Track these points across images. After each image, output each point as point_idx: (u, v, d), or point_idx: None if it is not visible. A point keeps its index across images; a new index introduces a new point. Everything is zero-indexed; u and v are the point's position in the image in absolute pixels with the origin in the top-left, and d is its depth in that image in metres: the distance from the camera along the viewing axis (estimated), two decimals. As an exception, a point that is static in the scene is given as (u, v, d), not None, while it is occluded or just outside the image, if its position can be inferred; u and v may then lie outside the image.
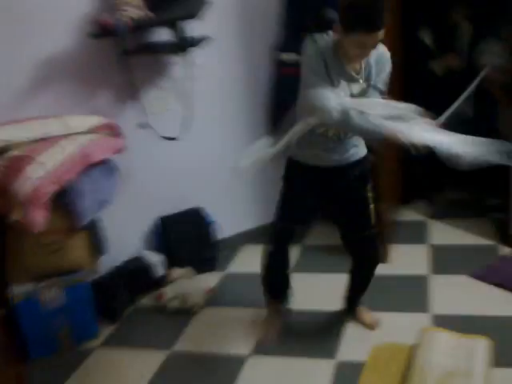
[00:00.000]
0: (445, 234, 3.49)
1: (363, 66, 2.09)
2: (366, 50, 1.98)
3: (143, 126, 2.96)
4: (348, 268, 2.63)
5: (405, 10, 3.34)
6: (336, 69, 2.06)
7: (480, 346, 2.30)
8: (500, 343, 2.32)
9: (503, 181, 3.18)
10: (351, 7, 1.90)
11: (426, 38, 3.66)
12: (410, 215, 3.81)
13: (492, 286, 2.80)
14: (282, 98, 3.41)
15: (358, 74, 2.09)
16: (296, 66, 3.27)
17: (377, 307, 2.76)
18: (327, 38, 2.08)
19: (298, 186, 2.38)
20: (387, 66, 2.13)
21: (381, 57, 2.11)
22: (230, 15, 3.25)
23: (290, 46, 3.32)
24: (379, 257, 2.64)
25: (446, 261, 3.17)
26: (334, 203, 2.43)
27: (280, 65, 3.35)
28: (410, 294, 2.88)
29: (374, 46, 1.98)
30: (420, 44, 3.70)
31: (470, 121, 3.61)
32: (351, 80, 2.09)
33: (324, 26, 3.21)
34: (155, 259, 3.16)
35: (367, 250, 2.53)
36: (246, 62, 3.35)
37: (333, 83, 2.05)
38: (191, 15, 2.78)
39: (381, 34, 1.91)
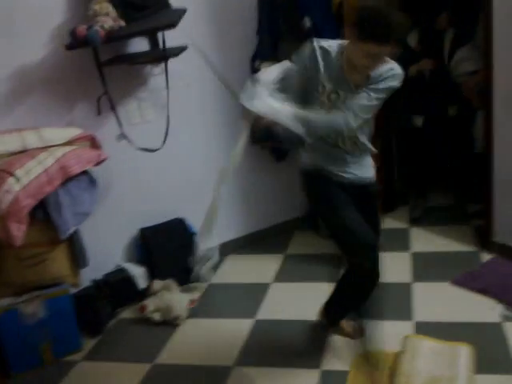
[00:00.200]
0: (426, 240, 3.51)
1: (368, 81, 2.02)
2: (373, 61, 1.93)
3: (122, 137, 2.95)
4: (336, 279, 2.58)
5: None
6: (333, 75, 2.03)
7: (463, 353, 2.31)
8: (482, 349, 2.34)
9: (484, 187, 3.21)
10: (369, 16, 1.85)
11: (412, 40, 3.70)
12: (392, 223, 3.83)
13: (474, 293, 2.81)
14: None
15: (357, 87, 2.03)
16: None
17: (359, 317, 2.76)
18: (332, 44, 2.05)
19: (336, 191, 2.24)
20: (390, 81, 2.01)
21: (387, 71, 2.01)
22: (206, 23, 3.26)
23: (268, 54, 3.35)
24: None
25: (428, 268, 3.18)
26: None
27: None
28: (392, 302, 2.88)
29: (381, 60, 1.93)
30: (404, 46, 3.74)
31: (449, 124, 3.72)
32: (348, 90, 2.04)
33: (301, 35, 3.29)
34: (137, 271, 3.13)
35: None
36: (224, 69, 3.34)
37: (316, 87, 2.05)
38: (171, 25, 2.78)
39: (390, 48, 1.87)
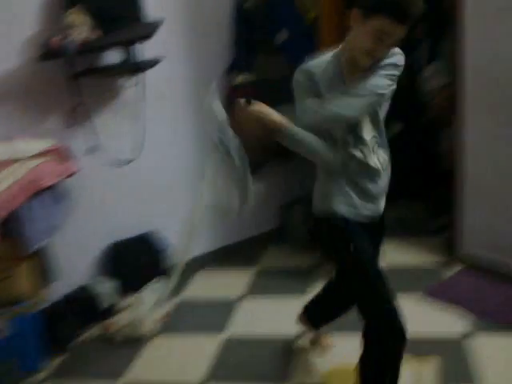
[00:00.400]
0: (396, 252, 3.54)
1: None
2: (382, 44, 1.69)
3: (93, 149, 2.91)
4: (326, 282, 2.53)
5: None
6: (334, 84, 1.82)
7: (431, 366, 2.33)
8: (451, 362, 2.37)
9: (451, 199, 3.27)
10: None
11: None
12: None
13: (442, 305, 2.84)
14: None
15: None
16: (247, 87, 3.35)
17: (329, 329, 2.77)
18: (320, 58, 1.86)
19: (361, 239, 1.96)
20: (389, 68, 1.78)
21: (390, 58, 1.79)
22: (181, 35, 3.26)
23: (243, 66, 3.36)
24: None
25: (398, 280, 3.18)
26: None
27: (232, 86, 3.37)
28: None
29: (391, 44, 1.71)
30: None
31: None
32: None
33: (276, 48, 3.32)
34: (107, 286, 3.07)
35: None
36: (199, 81, 3.34)
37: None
38: (146, 36, 2.76)
39: (404, 30, 1.67)
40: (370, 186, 1.93)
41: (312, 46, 3.19)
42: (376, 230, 2.07)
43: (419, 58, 3.77)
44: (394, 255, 3.50)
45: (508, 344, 2.53)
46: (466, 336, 2.60)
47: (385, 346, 1.91)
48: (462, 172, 3.16)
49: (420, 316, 2.81)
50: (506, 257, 3.05)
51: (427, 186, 3.96)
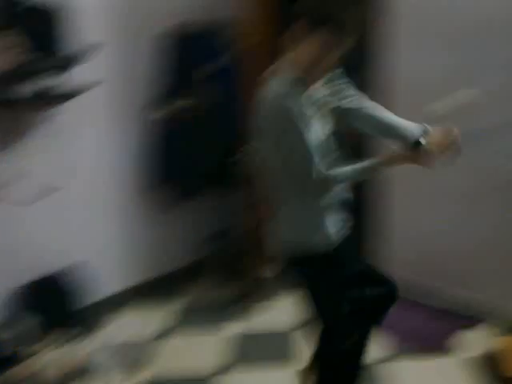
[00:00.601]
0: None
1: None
2: (332, 55, 1.71)
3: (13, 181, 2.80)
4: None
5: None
6: (308, 107, 1.76)
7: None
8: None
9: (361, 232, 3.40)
10: (334, 2, 1.66)
11: None
12: (278, 268, 3.90)
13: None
14: (172, 145, 3.41)
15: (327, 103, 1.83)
16: (180, 115, 3.34)
17: (247, 365, 2.77)
18: (285, 79, 1.74)
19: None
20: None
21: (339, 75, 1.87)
22: (116, 60, 3.25)
23: (173, 96, 3.37)
24: None
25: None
26: None
27: (157, 118, 3.37)
28: (277, 349, 2.94)
29: (341, 54, 1.72)
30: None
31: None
32: (323, 105, 1.84)
33: (203, 80, 3.35)
34: (15, 331, 2.93)
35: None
36: (131, 110, 3.35)
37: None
38: (79, 61, 2.73)
39: (351, 41, 1.70)
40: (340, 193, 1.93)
41: (236, 79, 3.27)
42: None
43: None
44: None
45: (428, 368, 2.64)
46: (387, 359, 2.68)
47: (342, 373, 2.04)
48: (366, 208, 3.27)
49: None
50: (428, 281, 3.18)
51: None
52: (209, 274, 3.79)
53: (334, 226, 1.89)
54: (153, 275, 3.68)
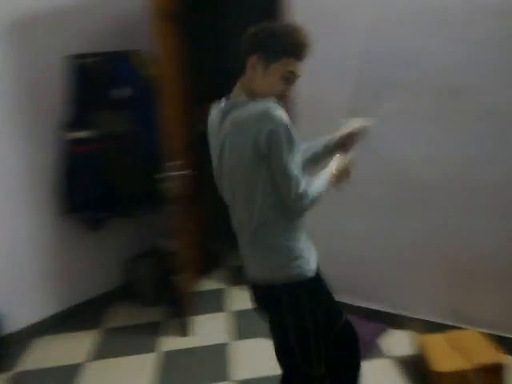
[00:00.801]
0: (242, 299, 3.63)
1: None
2: (290, 84, 1.74)
3: None
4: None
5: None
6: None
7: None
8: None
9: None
10: (275, 31, 1.70)
11: None
12: (210, 285, 3.91)
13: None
14: (75, 176, 3.33)
15: None
16: (89, 142, 3.29)
17: (181, 382, 2.74)
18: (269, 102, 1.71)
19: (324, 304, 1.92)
20: None
21: None
22: (15, 93, 3.13)
23: (80, 124, 3.31)
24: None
25: (245, 326, 3.29)
26: None
27: (70, 142, 3.30)
28: (212, 364, 2.92)
29: (296, 82, 1.76)
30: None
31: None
32: None
33: (115, 105, 3.32)
34: None
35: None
36: (35, 137, 3.24)
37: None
38: None
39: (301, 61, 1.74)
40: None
41: (152, 104, 3.26)
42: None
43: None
44: (241, 301, 3.60)
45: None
46: None
47: None
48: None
49: (268, 357, 2.88)
50: (357, 299, 3.22)
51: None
52: (139, 294, 3.71)
53: (310, 250, 1.85)
54: (77, 301, 3.56)
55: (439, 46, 2.64)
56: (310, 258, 1.81)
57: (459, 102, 2.65)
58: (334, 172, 1.84)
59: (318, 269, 1.88)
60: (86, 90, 3.33)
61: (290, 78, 1.73)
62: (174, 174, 2.96)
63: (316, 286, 1.85)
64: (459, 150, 2.70)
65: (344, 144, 1.98)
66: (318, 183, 1.76)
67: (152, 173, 3.31)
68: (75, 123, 3.33)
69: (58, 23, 3.28)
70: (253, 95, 1.74)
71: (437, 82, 2.68)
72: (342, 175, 1.87)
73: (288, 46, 1.69)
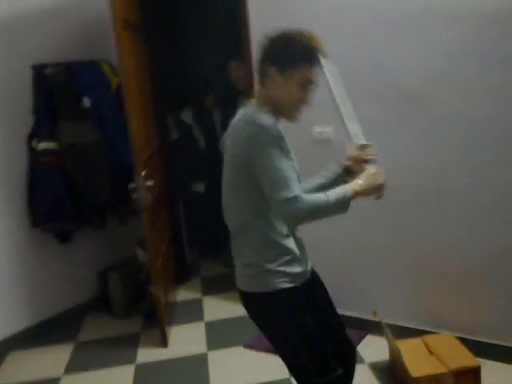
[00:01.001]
0: (217, 308, 3.63)
1: None
2: (309, 93, 1.74)
3: None
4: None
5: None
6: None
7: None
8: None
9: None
10: (290, 40, 1.69)
11: (186, 117, 4.22)
12: (185, 294, 3.89)
13: (263, 353, 2.94)
14: (39, 187, 3.28)
15: None
16: (53, 153, 3.25)
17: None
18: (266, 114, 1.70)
19: (306, 315, 1.81)
20: None
21: None
22: None
23: (45, 133, 3.27)
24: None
25: (221, 335, 3.28)
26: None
27: (36, 153, 3.25)
28: (191, 374, 2.90)
29: (314, 89, 1.75)
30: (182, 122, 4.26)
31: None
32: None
33: (80, 114, 3.30)
34: None
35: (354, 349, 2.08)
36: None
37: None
38: None
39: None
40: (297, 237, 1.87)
41: (118, 112, 3.24)
42: (314, 281, 1.93)
43: (215, 124, 4.19)
44: (217, 311, 3.59)
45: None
46: (286, 380, 2.69)
47: None
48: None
49: (244, 366, 2.91)
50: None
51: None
52: (113, 306, 3.66)
53: (295, 262, 1.79)
54: (51, 314, 3.49)
55: (400, 54, 2.69)
56: (289, 271, 1.76)
57: (420, 110, 2.70)
58: (361, 183, 1.73)
59: (307, 285, 1.83)
60: (50, 101, 3.31)
61: (308, 86, 1.73)
62: (143, 184, 2.93)
63: (294, 298, 1.77)
64: (421, 157, 2.76)
65: (353, 168, 1.89)
66: (323, 195, 1.66)
67: (120, 183, 3.30)
68: (40, 134, 3.30)
69: (23, 32, 3.24)
70: (272, 104, 1.74)
71: (398, 90, 2.73)
72: (374, 186, 1.75)
73: (305, 54, 1.69)
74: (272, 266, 1.74)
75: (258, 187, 1.67)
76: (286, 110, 1.75)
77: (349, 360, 1.96)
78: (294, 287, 1.77)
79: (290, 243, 1.79)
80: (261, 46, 1.75)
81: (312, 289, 1.89)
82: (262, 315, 1.83)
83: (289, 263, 1.77)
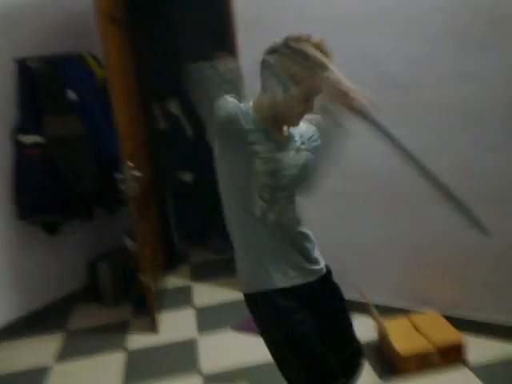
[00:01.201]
0: (207, 294, 3.66)
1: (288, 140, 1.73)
2: (312, 103, 1.65)
3: None
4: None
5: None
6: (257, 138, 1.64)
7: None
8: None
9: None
10: (296, 51, 1.60)
11: (173, 107, 4.20)
12: (175, 281, 3.91)
13: (251, 336, 2.95)
14: (26, 180, 3.28)
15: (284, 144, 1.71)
16: (39, 147, 3.24)
17: (150, 379, 2.74)
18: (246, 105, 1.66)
19: (292, 320, 1.71)
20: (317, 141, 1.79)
21: (315, 131, 1.80)
22: None
23: (31, 127, 3.26)
24: None
25: (210, 319, 3.31)
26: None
27: (21, 147, 3.24)
28: (182, 360, 2.92)
29: (315, 98, 1.66)
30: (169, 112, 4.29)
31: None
32: (279, 148, 1.68)
33: (65, 107, 3.29)
34: None
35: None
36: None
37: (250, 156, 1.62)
38: None
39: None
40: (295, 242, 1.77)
41: (104, 106, 3.23)
42: (323, 287, 1.82)
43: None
44: (207, 296, 3.63)
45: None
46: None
47: None
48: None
49: (233, 349, 2.94)
50: None
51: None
52: (102, 295, 3.67)
53: (278, 263, 1.70)
54: (40, 304, 3.49)
55: (385, 42, 2.71)
56: (272, 268, 1.68)
57: (407, 97, 2.73)
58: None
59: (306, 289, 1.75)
60: (35, 94, 3.28)
61: (312, 98, 1.65)
62: (130, 175, 2.93)
63: (282, 299, 1.68)
64: (408, 143, 2.79)
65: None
66: None
67: (106, 174, 3.30)
68: (26, 127, 3.28)
69: (8, 25, 3.22)
70: (272, 110, 1.66)
71: (384, 78, 2.75)
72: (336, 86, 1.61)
73: (308, 65, 1.59)
74: (251, 266, 1.69)
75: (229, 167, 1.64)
76: (287, 119, 1.69)
77: (351, 374, 1.86)
78: (279, 289, 1.67)
79: (275, 241, 1.70)
80: (263, 59, 1.66)
81: (315, 293, 1.78)
82: (255, 317, 1.78)
83: (272, 263, 1.68)
